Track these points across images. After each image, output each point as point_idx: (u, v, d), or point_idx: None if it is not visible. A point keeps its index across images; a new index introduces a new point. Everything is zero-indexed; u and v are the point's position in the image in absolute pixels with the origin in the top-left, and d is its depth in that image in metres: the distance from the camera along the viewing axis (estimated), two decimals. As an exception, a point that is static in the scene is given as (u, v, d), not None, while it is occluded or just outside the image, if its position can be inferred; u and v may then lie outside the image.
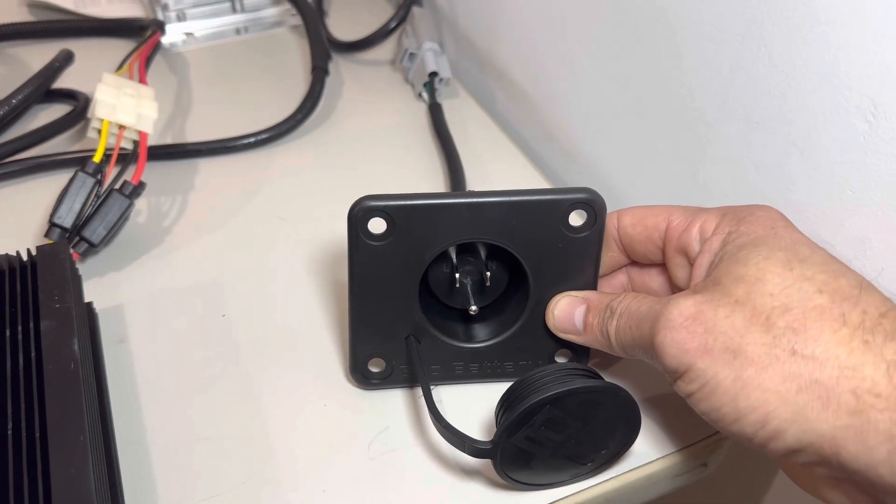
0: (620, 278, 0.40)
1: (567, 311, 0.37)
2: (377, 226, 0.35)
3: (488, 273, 0.38)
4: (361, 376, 0.39)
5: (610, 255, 0.38)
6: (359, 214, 0.35)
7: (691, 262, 0.34)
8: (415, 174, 0.54)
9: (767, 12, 0.36)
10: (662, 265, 0.37)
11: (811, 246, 0.31)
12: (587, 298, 0.36)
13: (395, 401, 0.39)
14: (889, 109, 0.32)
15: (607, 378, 0.40)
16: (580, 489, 0.36)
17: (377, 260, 0.36)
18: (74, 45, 0.61)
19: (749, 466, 0.50)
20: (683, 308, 0.30)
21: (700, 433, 0.38)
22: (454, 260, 0.39)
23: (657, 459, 0.37)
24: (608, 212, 0.36)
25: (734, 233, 0.32)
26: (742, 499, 0.52)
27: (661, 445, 0.37)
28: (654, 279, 0.38)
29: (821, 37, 0.34)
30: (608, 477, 0.36)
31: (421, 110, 0.60)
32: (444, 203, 0.35)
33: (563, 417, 0.32)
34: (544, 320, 0.38)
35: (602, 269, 0.38)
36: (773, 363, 0.28)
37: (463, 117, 0.59)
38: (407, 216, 0.35)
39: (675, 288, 0.37)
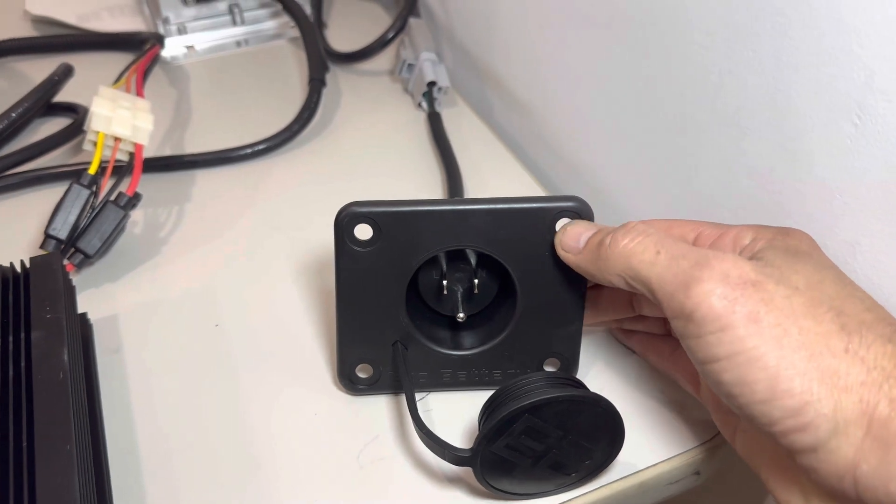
0: (623, 293, 0.38)
1: (580, 230, 0.35)
2: (363, 232, 0.35)
3: (476, 280, 0.38)
4: (349, 381, 0.39)
5: None
6: (344, 221, 0.35)
7: None
8: (413, 184, 0.54)
9: (754, 17, 0.36)
10: None
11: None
12: (603, 227, 0.35)
13: (384, 409, 0.39)
14: (874, 112, 0.32)
15: (595, 386, 0.40)
16: (570, 497, 0.35)
17: (363, 266, 0.36)
18: (77, 59, 0.62)
19: (745, 476, 0.49)
20: (744, 269, 0.29)
21: (692, 441, 0.37)
22: (444, 266, 0.39)
23: (648, 468, 0.37)
24: (619, 221, 0.36)
25: (779, 239, 0.32)
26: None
27: (652, 453, 0.37)
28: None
29: (807, 39, 0.34)
30: (598, 485, 0.36)
31: (420, 120, 0.60)
32: (430, 210, 0.35)
33: (542, 426, 0.31)
34: (532, 329, 0.38)
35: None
36: (824, 354, 0.27)
37: (461, 126, 0.59)
38: (393, 223, 0.35)
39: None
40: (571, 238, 0.35)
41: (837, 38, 0.32)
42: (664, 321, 0.39)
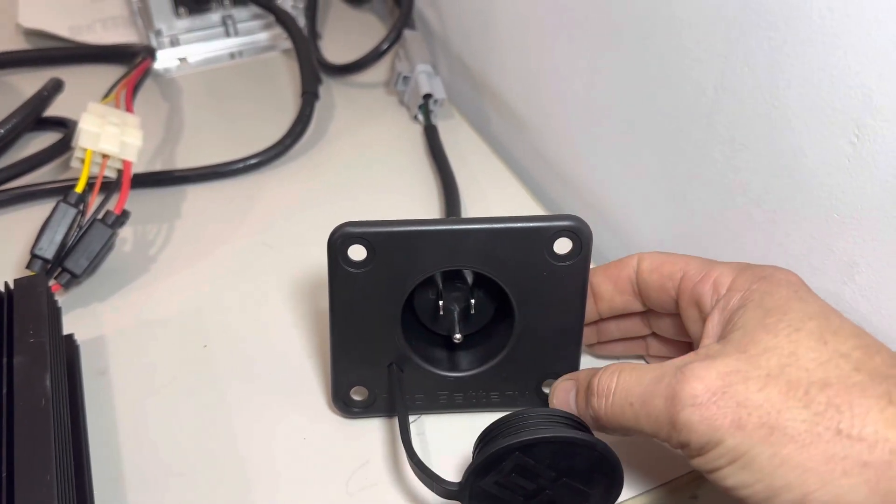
0: (634, 320, 0.39)
1: (563, 397, 0.35)
2: (357, 253, 0.34)
3: (473, 300, 0.38)
4: (343, 404, 0.38)
5: (625, 297, 0.37)
6: (338, 241, 0.34)
7: (703, 317, 0.33)
8: (409, 197, 0.53)
9: (750, 32, 0.35)
10: (678, 314, 0.36)
11: (838, 315, 0.30)
12: (577, 379, 0.35)
13: (376, 433, 0.38)
14: (873, 132, 0.31)
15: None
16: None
17: (358, 287, 0.35)
18: (69, 71, 0.62)
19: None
20: (709, 382, 0.28)
21: (688, 466, 0.36)
22: (440, 285, 0.38)
23: (644, 493, 0.36)
24: (631, 253, 0.36)
25: (755, 291, 0.31)
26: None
27: (648, 479, 0.36)
28: (669, 328, 0.37)
29: (802, 56, 0.33)
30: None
31: (416, 132, 0.59)
32: (425, 230, 0.34)
33: (534, 465, 0.30)
34: (530, 350, 0.37)
35: (612, 311, 0.38)
36: (816, 441, 0.26)
37: (457, 139, 0.58)
38: (387, 243, 0.34)
39: (689, 340, 0.35)
40: (563, 405, 0.35)
41: (834, 55, 0.32)
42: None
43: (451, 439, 0.38)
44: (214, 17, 0.67)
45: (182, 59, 0.67)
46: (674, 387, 0.29)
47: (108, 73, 0.62)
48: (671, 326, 0.37)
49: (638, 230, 0.48)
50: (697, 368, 0.29)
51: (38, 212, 0.49)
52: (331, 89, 0.64)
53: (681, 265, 0.34)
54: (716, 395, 0.28)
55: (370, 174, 0.56)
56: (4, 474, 0.31)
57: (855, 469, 0.25)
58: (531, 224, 0.34)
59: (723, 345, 0.30)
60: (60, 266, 0.44)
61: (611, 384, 0.31)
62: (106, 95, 0.52)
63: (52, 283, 0.43)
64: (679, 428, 0.28)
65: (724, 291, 0.32)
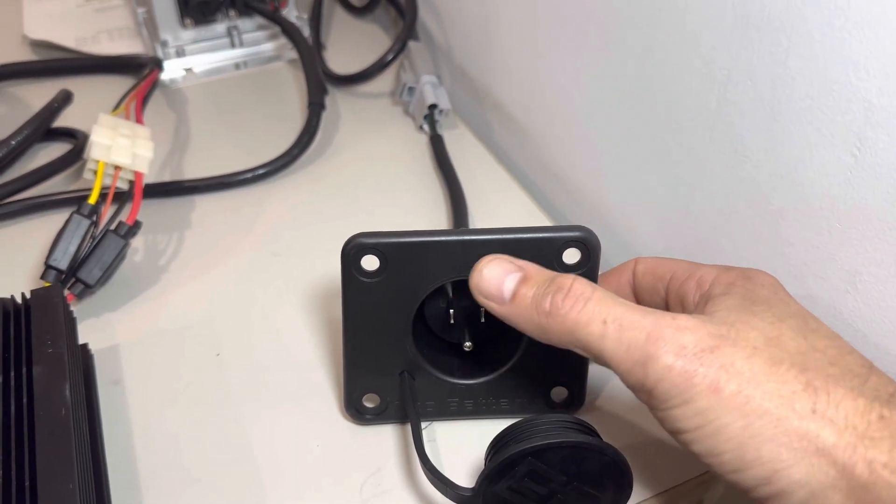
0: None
1: (499, 274, 0.32)
2: (370, 263, 0.35)
3: (483, 309, 0.38)
4: (356, 411, 0.39)
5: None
6: (351, 252, 0.35)
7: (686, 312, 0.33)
8: (416, 207, 0.54)
9: (751, 46, 0.36)
10: None
11: (815, 318, 0.30)
12: (524, 268, 0.32)
13: (389, 439, 0.39)
14: (874, 144, 0.32)
15: (599, 414, 0.40)
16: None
17: (370, 297, 0.36)
18: (75, 82, 0.62)
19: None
20: (700, 337, 0.28)
21: (693, 471, 0.37)
22: (450, 294, 0.39)
23: (648, 499, 0.36)
24: (619, 245, 0.36)
25: (738, 286, 0.31)
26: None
27: (653, 483, 0.37)
28: None
29: (804, 71, 0.34)
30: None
31: (421, 142, 0.60)
32: (437, 241, 0.35)
33: (546, 470, 0.31)
34: (538, 357, 0.38)
35: None
36: (791, 417, 0.26)
37: (462, 149, 0.59)
38: (399, 253, 0.35)
39: None
40: (491, 285, 0.32)
41: (836, 70, 0.33)
42: None
43: (461, 445, 0.39)
44: (220, 27, 0.68)
45: (188, 70, 0.67)
46: (663, 329, 0.28)
47: (115, 84, 0.63)
48: None
49: (641, 238, 0.49)
50: (690, 321, 0.28)
51: (49, 222, 0.50)
52: (336, 99, 0.65)
53: (670, 266, 0.35)
54: (703, 353, 0.27)
55: (377, 184, 0.56)
56: (27, 483, 0.31)
57: (826, 450, 0.25)
58: (541, 235, 0.35)
59: (713, 317, 0.29)
60: (74, 276, 0.45)
61: (586, 292, 0.30)
62: (116, 107, 0.53)
63: (65, 293, 0.44)
64: (652, 370, 0.28)
65: (707, 287, 0.32)
